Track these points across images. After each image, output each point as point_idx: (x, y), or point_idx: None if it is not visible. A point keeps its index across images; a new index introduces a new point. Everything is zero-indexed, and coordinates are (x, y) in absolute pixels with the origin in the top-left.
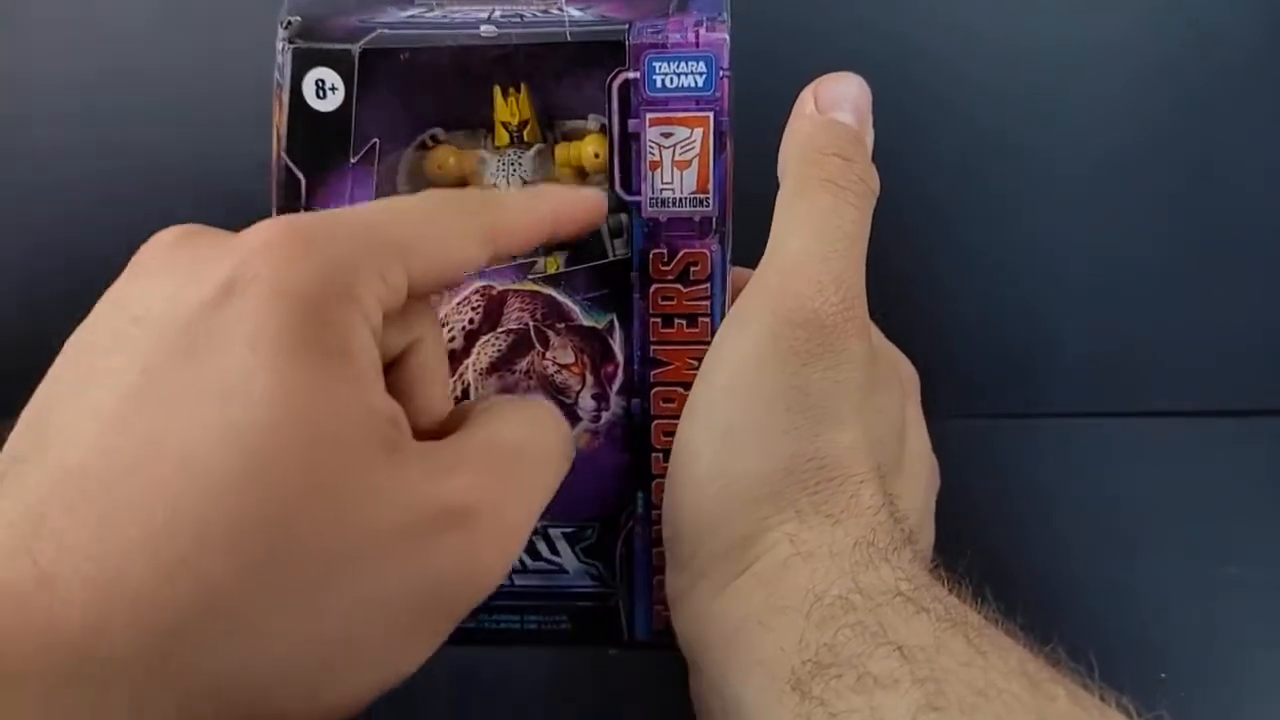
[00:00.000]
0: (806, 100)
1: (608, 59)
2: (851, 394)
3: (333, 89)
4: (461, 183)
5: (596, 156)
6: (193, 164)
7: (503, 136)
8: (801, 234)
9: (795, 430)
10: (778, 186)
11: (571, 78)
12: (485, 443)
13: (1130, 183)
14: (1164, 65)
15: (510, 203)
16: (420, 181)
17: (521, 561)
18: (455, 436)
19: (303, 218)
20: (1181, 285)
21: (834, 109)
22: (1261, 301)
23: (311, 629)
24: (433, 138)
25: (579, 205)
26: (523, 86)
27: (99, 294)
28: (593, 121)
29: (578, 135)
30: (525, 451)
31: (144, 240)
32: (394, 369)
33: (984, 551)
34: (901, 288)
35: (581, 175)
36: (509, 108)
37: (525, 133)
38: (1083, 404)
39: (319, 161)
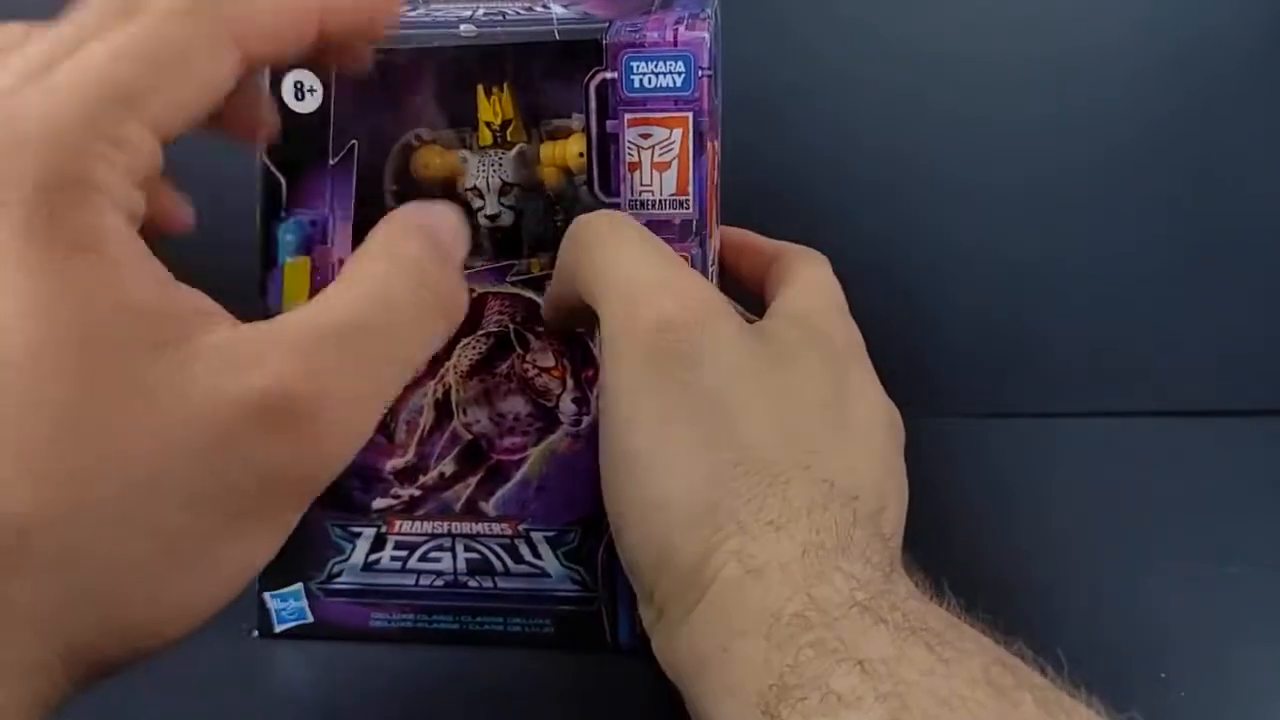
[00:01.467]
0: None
1: (590, 58)
2: (743, 382)
3: (311, 90)
4: (448, 182)
5: (581, 155)
6: (174, 165)
7: (486, 136)
8: (620, 268)
9: (703, 439)
10: (769, 189)
11: (556, 77)
12: (313, 317)
13: (1131, 184)
14: (1164, 68)
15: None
16: (406, 182)
17: (504, 564)
18: (283, 315)
19: (17, 113)
20: (1181, 285)
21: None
22: (1261, 302)
23: (137, 534)
24: (417, 137)
25: None
26: (506, 86)
27: None
28: (577, 120)
29: (563, 134)
30: (369, 320)
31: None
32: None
33: (983, 551)
34: (901, 288)
35: (567, 174)
36: (492, 107)
37: (508, 132)
38: (1083, 404)
39: (299, 163)
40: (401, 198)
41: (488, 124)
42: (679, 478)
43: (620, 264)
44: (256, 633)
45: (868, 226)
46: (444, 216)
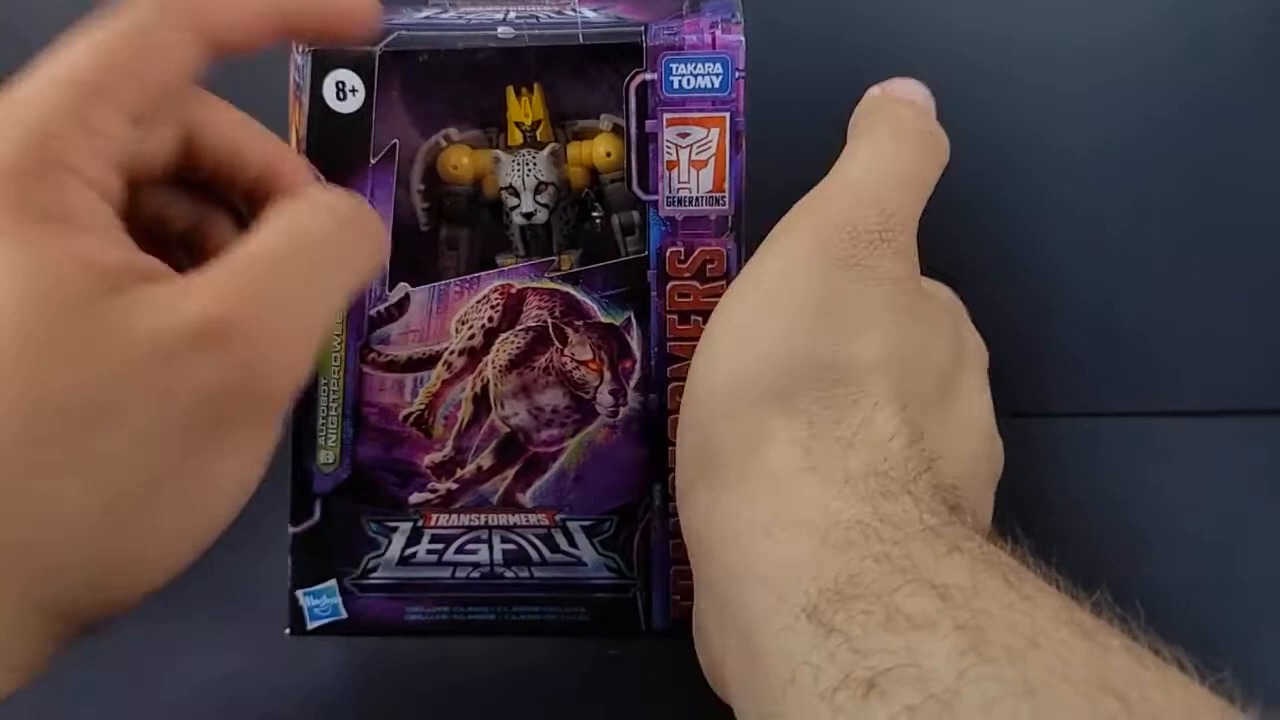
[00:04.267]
0: (874, 90)
1: (622, 60)
2: (881, 311)
3: (353, 91)
4: (476, 182)
5: (608, 155)
6: None
7: (515, 136)
8: (857, 165)
9: (815, 334)
10: (793, 186)
11: (584, 78)
12: (246, 248)
13: (1131, 184)
14: (1166, 66)
15: None
16: (433, 181)
17: (540, 554)
18: (213, 262)
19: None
20: (1182, 285)
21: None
22: (1262, 301)
23: (101, 472)
24: (446, 137)
25: None
26: (536, 87)
27: None
28: (604, 121)
29: (589, 134)
30: (301, 245)
31: None
32: (192, 153)
33: None
34: None
35: (593, 174)
36: (522, 108)
37: (538, 132)
38: (1083, 404)
39: (340, 163)
40: (428, 198)
41: (518, 124)
42: (772, 351)
43: (862, 156)
44: (289, 631)
45: None
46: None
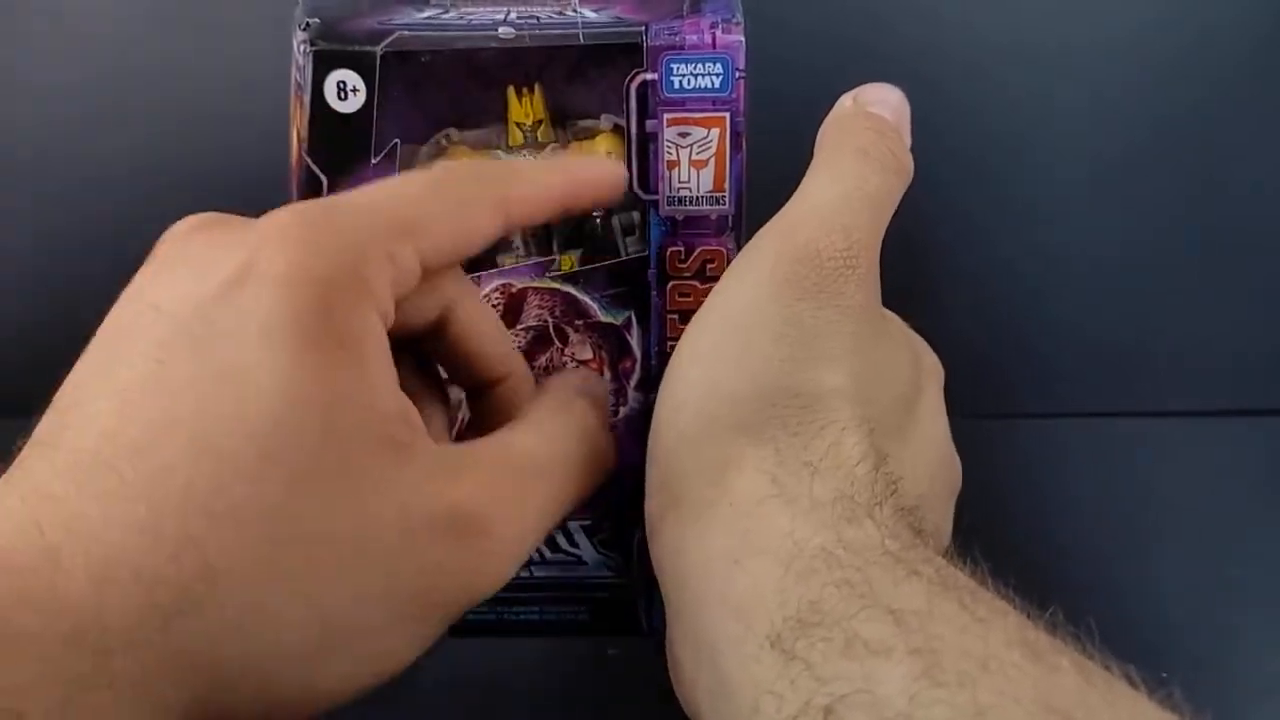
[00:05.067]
0: (845, 99)
1: (623, 60)
2: (844, 338)
3: (354, 90)
4: None
5: (608, 155)
6: (203, 164)
7: (516, 136)
8: (820, 190)
9: (781, 361)
10: (792, 186)
11: (585, 78)
12: (502, 450)
13: (1132, 184)
14: (1168, 67)
15: (524, 171)
16: None
17: (540, 554)
18: (476, 441)
19: (312, 205)
20: (1182, 286)
21: (873, 107)
22: (1263, 301)
23: (310, 613)
24: (447, 138)
25: (595, 173)
26: (536, 87)
27: (110, 295)
28: (605, 121)
29: (589, 134)
30: (544, 463)
31: (153, 242)
32: (438, 335)
33: (982, 551)
34: (901, 287)
35: None
36: (523, 108)
37: (539, 133)
38: (1083, 404)
39: (341, 163)
40: None
41: (519, 124)
42: (738, 381)
43: (827, 178)
44: None
45: None
46: (600, 385)
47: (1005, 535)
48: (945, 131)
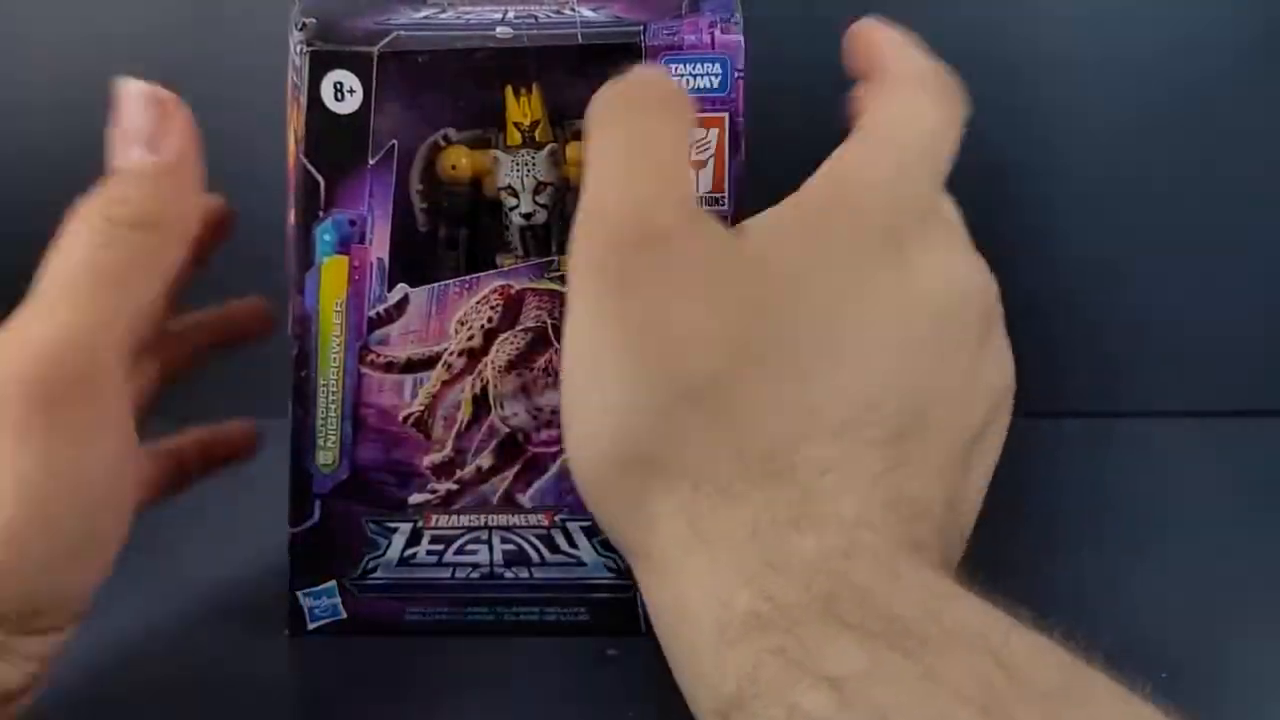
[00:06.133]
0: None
1: (622, 60)
2: (689, 303)
3: (351, 91)
4: (474, 182)
5: None
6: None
7: (514, 136)
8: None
9: (634, 372)
10: (786, 187)
11: (583, 78)
12: None
13: (1131, 184)
14: (1167, 67)
15: None
16: (432, 182)
17: (540, 555)
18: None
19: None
20: (1182, 285)
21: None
22: (1262, 302)
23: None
24: (445, 137)
25: None
26: (534, 87)
27: None
28: None
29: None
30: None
31: None
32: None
33: (982, 551)
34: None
35: None
36: (521, 108)
37: (537, 133)
38: (1083, 404)
39: (338, 163)
40: (427, 198)
41: (516, 124)
42: (609, 414)
43: (593, 169)
44: (287, 632)
45: None
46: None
47: (1005, 535)
48: None
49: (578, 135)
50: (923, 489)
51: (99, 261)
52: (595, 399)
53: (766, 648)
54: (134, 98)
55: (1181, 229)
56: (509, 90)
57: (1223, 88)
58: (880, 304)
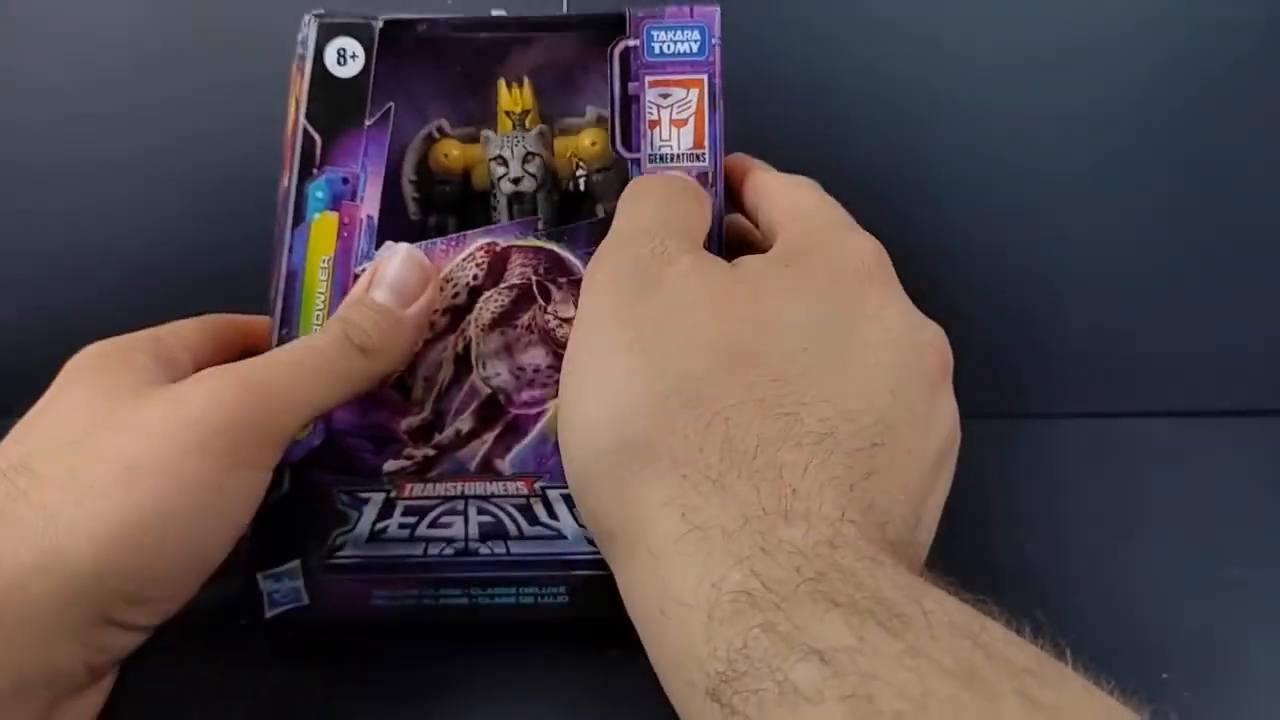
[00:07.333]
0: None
1: (613, 28)
2: (691, 313)
3: (354, 56)
4: (465, 174)
5: (593, 145)
6: (201, 164)
7: (505, 124)
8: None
9: (637, 367)
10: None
11: (572, 75)
12: None
13: (1131, 184)
14: (1165, 67)
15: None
16: (425, 172)
17: (518, 528)
18: None
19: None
20: (1182, 286)
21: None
22: (1262, 302)
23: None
24: (439, 130)
25: None
26: (525, 80)
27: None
28: (590, 113)
29: (575, 130)
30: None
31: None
32: None
33: (983, 552)
34: (904, 289)
35: (578, 164)
36: (513, 98)
37: (527, 120)
38: (1083, 404)
39: (335, 123)
40: (419, 187)
41: (508, 113)
42: (610, 403)
43: (626, 209)
44: (242, 621)
45: (866, 226)
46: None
47: (1003, 536)
48: (945, 132)
49: (565, 131)
50: (891, 501)
51: (328, 358)
52: (599, 389)
53: (757, 624)
54: (402, 253)
55: (1181, 229)
56: (501, 82)
57: (1223, 88)
58: (856, 332)
